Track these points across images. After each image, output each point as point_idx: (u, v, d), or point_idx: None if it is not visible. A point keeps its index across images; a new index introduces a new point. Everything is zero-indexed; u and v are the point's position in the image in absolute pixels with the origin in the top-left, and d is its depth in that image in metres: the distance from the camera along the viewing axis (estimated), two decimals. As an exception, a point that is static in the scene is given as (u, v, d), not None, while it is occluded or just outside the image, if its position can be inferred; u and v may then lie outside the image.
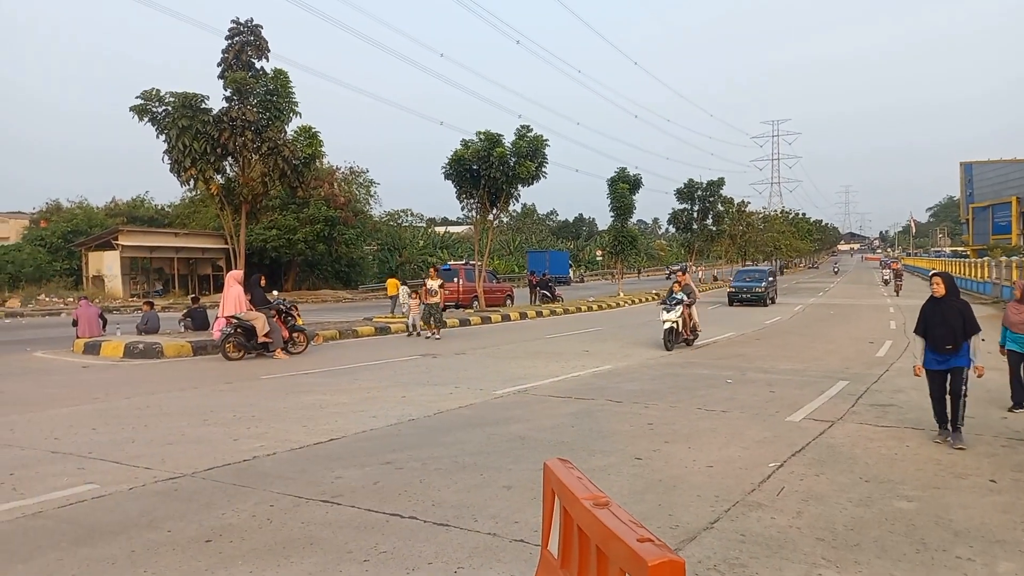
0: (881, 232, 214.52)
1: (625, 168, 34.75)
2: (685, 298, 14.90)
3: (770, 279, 31.16)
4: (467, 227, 67.32)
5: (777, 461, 6.12)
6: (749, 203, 61.60)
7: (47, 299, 32.45)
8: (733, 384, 10.27)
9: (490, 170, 24.40)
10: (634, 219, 41.13)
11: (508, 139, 24.92)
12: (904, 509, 4.94)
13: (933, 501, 5.11)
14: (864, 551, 4.20)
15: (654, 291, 40.15)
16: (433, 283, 17.80)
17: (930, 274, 7.43)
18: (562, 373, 11.33)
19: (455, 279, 27.56)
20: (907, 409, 8.36)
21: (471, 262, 30.06)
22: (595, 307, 28.78)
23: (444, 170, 25.38)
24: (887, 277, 42.90)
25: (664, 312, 14.83)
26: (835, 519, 4.72)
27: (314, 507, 4.92)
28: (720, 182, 45.17)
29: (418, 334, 17.81)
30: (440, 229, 71.42)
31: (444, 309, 26.00)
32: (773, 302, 30.51)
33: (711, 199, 45.03)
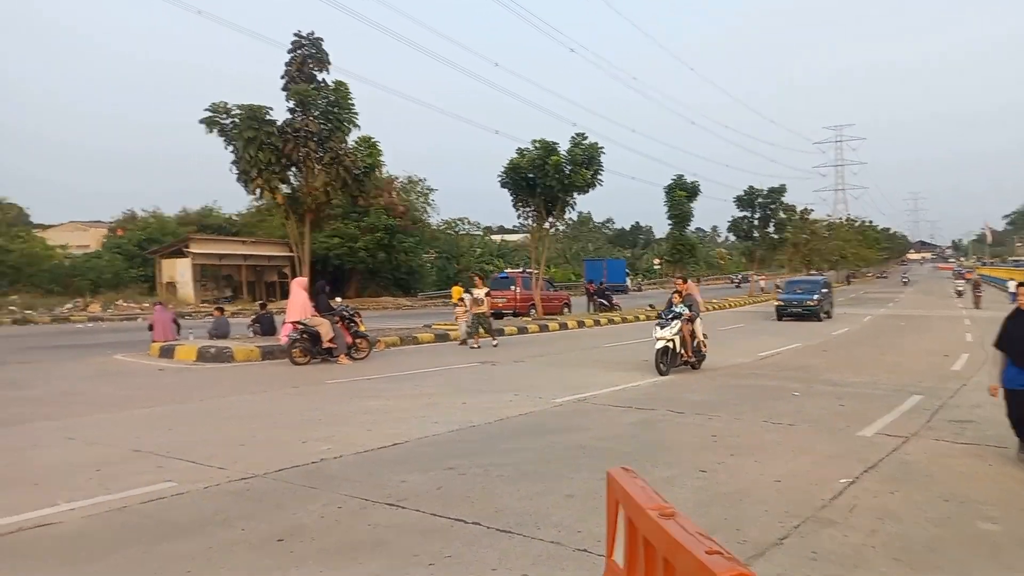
0: (953, 241, 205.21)
1: (682, 175, 34.33)
2: (686, 311, 12.78)
3: (824, 290, 27.86)
4: (523, 235, 67.43)
5: (849, 477, 5.93)
6: (812, 210, 59.85)
7: (124, 304, 34.01)
8: (800, 397, 10.00)
9: (546, 178, 24.43)
10: (692, 227, 40.48)
11: (563, 147, 24.90)
12: (987, 531, 4.72)
13: (1019, 523, 4.88)
14: (945, 573, 4.04)
15: (714, 300, 39.44)
16: (479, 292, 17.42)
17: (1016, 284, 7.06)
18: (621, 382, 11.25)
19: (512, 287, 27.63)
20: (987, 425, 7.98)
21: (528, 270, 30.11)
22: (653, 316, 28.37)
23: (500, 178, 25.53)
24: (961, 288, 40.73)
25: (657, 328, 12.58)
26: (912, 539, 4.55)
27: (380, 510, 5.02)
28: (782, 189, 44.10)
29: (476, 345, 17.13)
30: (496, 237, 71.73)
31: (501, 316, 26.28)
32: (828, 316, 27.27)
33: (772, 206, 43.96)
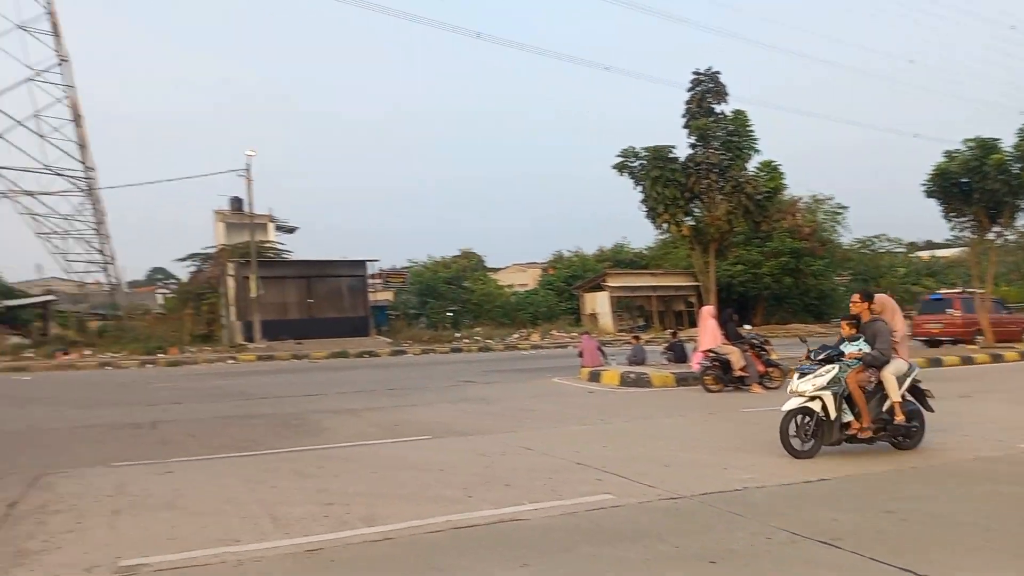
0: None
1: None
2: (856, 351, 7.67)
3: None
4: (959, 249, 57.62)
5: None
6: None
7: (557, 334, 38.81)
8: None
9: (984, 182, 20.82)
10: None
11: (1007, 142, 20.98)
12: None
13: None
14: None
15: None
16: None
17: None
18: (1122, 428, 8.87)
19: (948, 310, 24.47)
20: None
21: (968, 290, 25.94)
22: None
23: (924, 187, 22.59)
24: None
25: (794, 379, 7.85)
26: None
27: (812, 546, 4.90)
28: None
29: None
30: (924, 254, 62.77)
31: (938, 345, 23.07)
32: None
33: None
